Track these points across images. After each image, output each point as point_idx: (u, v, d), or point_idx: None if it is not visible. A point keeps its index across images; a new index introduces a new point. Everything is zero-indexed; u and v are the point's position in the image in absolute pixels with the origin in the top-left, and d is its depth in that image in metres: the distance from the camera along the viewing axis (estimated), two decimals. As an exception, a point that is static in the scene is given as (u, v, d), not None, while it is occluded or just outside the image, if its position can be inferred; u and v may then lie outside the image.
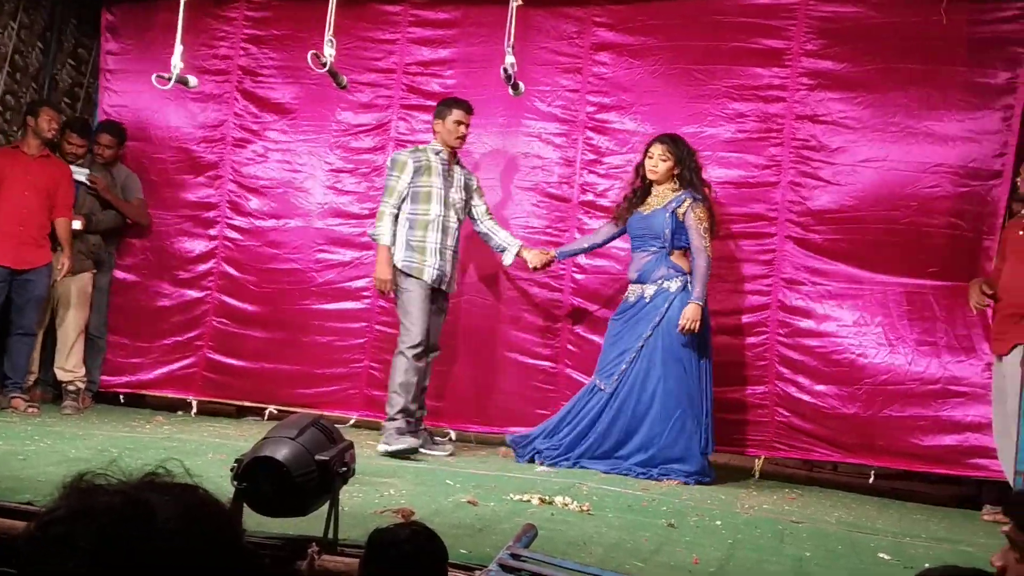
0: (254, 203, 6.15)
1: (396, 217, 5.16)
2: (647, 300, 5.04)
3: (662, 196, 5.12)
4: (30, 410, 5.50)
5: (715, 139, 5.50)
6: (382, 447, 4.91)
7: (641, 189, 5.19)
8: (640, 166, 5.17)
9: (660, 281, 5.03)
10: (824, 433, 5.25)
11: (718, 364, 5.24)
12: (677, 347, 4.94)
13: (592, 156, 5.70)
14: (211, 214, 6.22)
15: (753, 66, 5.46)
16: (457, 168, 5.30)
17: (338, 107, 6.05)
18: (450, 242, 5.21)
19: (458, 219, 5.25)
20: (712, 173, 5.47)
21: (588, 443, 5.04)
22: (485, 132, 5.81)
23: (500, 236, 5.40)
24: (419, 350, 5.04)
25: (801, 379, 5.30)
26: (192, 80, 4.92)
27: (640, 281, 5.09)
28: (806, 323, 5.34)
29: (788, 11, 5.41)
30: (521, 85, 4.41)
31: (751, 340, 5.39)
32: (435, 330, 5.24)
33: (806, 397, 5.28)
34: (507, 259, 5.39)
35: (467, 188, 5.32)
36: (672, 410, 4.92)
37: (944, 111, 5.19)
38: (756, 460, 5.38)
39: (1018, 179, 4.79)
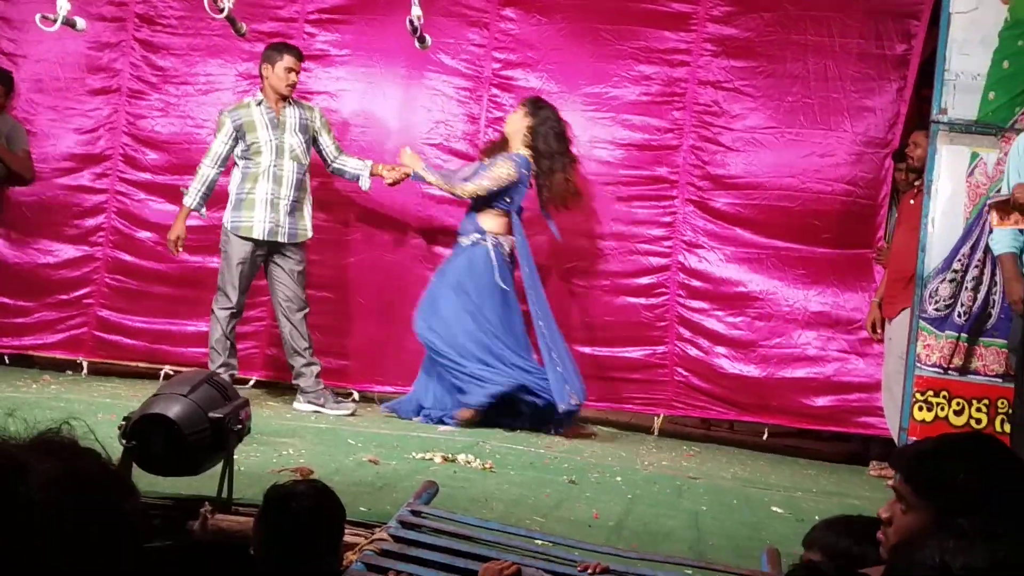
0: (151, 157, 5.89)
1: (211, 178, 5.18)
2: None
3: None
4: None
5: (619, 100, 5.51)
6: None
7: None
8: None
9: (471, 235, 5.17)
10: (721, 393, 5.38)
11: (620, 324, 5.31)
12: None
13: (498, 114, 5.63)
14: (102, 167, 5.93)
15: (660, 29, 5.48)
16: (290, 111, 5.18)
17: (239, 59, 5.82)
18: (285, 191, 5.12)
19: (298, 164, 5.16)
20: (615, 134, 5.51)
21: None
22: (387, 83, 5.68)
23: (350, 164, 5.35)
24: (231, 311, 5.09)
25: (700, 340, 5.41)
26: (80, 22, 4.64)
27: (464, 233, 5.21)
28: (705, 286, 5.44)
29: (698, -25, 5.44)
30: (428, 38, 4.31)
31: (652, 301, 5.46)
32: (293, 286, 5.15)
33: (704, 357, 5.39)
34: (364, 183, 5.34)
35: (305, 129, 5.21)
36: None
37: (840, 82, 5.31)
38: (656, 418, 5.47)
39: (907, 149, 4.95)
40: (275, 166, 5.09)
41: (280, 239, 5.11)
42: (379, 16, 5.64)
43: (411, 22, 4.20)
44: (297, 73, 5.16)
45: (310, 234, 5.26)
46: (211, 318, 5.16)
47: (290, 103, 5.21)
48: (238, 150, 5.15)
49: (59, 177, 5.92)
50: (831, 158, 5.34)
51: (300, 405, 5.09)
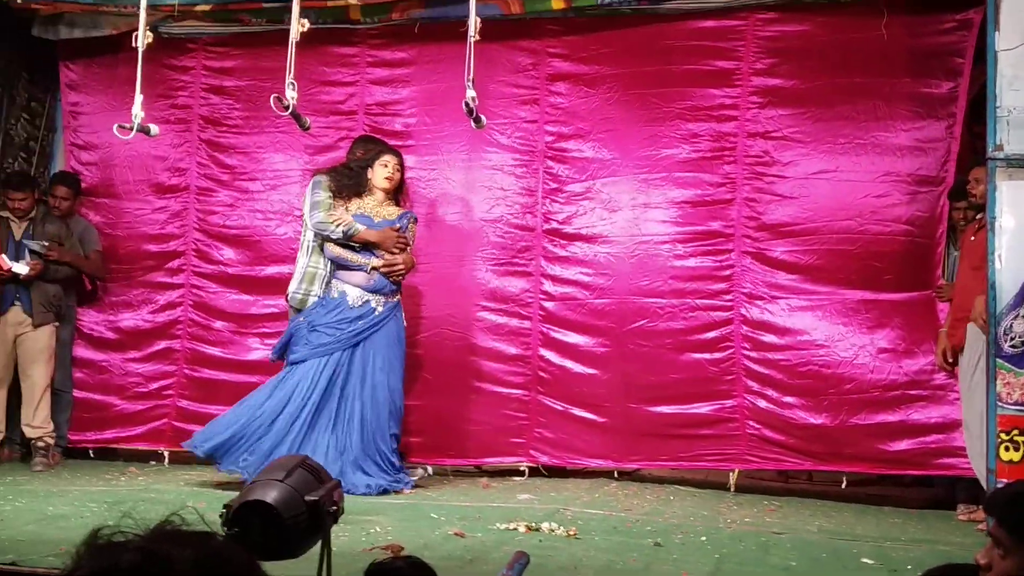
0: (224, 251, 6.15)
1: None
2: (375, 311, 5.11)
3: (386, 208, 5.22)
4: None
5: (671, 160, 5.61)
6: None
7: (350, 188, 5.21)
8: (362, 168, 5.22)
9: (389, 295, 5.16)
10: (794, 443, 5.34)
11: (687, 380, 5.39)
12: (390, 359, 5.13)
13: (553, 185, 5.78)
14: (176, 263, 6.20)
15: (705, 87, 5.59)
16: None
17: (304, 152, 6.09)
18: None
19: None
20: (669, 194, 5.61)
21: None
22: (449, 167, 5.89)
23: None
24: None
25: (769, 391, 5.39)
26: (154, 128, 4.91)
27: (375, 291, 5.12)
28: (769, 337, 5.44)
29: (736, 33, 5.55)
30: (483, 118, 4.47)
31: (717, 355, 5.47)
32: None
33: (775, 408, 5.37)
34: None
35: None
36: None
37: (891, 122, 5.34)
38: (731, 474, 5.45)
39: (968, 186, 4.94)
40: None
41: None
42: (436, 105, 5.87)
43: (467, 104, 4.36)
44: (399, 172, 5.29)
45: None
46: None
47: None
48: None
49: (137, 275, 6.20)
50: (887, 198, 5.34)
51: None
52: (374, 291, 5.11)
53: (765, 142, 5.52)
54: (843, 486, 5.35)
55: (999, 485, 3.93)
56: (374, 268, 5.10)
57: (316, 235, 5.23)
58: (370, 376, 5.06)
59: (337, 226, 5.11)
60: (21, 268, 5.64)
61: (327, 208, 5.16)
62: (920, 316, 5.26)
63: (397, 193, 5.30)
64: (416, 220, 5.40)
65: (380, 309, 5.12)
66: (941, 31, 5.29)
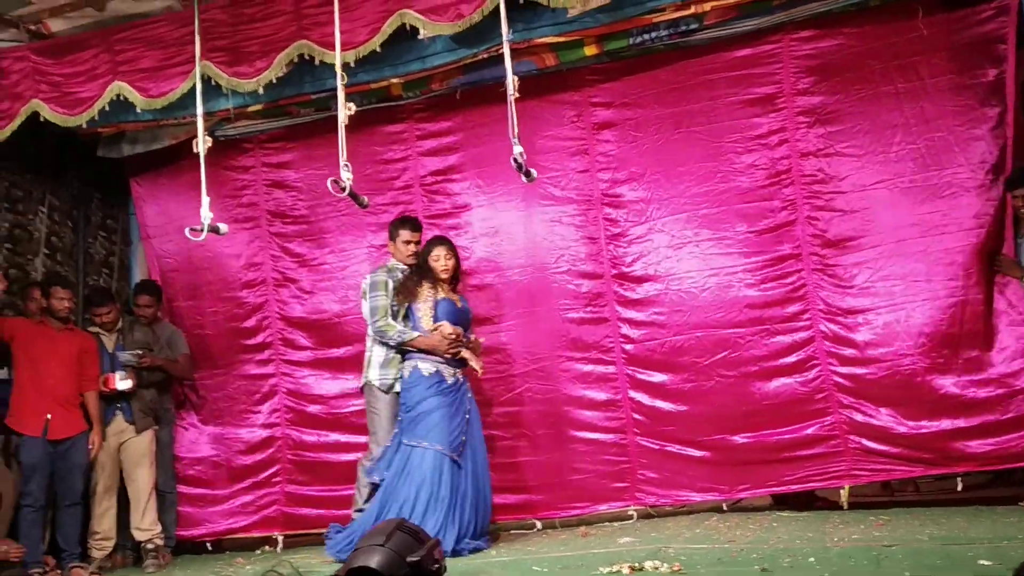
0: (307, 337, 6.36)
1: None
2: (461, 382, 5.27)
3: (446, 291, 5.34)
4: None
5: (731, 193, 5.65)
6: None
7: (415, 281, 5.32)
8: (426, 258, 5.34)
9: (462, 368, 5.29)
10: (900, 452, 5.22)
11: (779, 405, 5.35)
12: (477, 424, 5.28)
13: (615, 230, 5.86)
14: (265, 354, 6.43)
15: (750, 116, 5.63)
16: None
17: (368, 231, 6.29)
18: None
19: None
20: (733, 226, 5.63)
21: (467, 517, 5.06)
22: (508, 226, 6.02)
23: None
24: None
25: (864, 404, 5.32)
26: (223, 227, 5.12)
27: (457, 365, 5.26)
28: (852, 351, 5.38)
29: (772, 56, 5.60)
30: (533, 172, 4.56)
31: (805, 376, 5.43)
32: None
33: (872, 420, 5.29)
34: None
35: None
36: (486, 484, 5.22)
37: (940, 120, 5.29)
38: (840, 492, 5.35)
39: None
40: None
41: None
42: (487, 167, 6.04)
43: (515, 160, 4.45)
44: (416, 244, 5.46)
45: None
46: (360, 469, 5.35)
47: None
48: None
49: (231, 370, 6.43)
50: (948, 198, 5.26)
51: None
52: (457, 365, 5.29)
53: (818, 160, 5.53)
54: (959, 488, 5.17)
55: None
56: (463, 358, 5.28)
57: None
58: (475, 444, 5.21)
59: (394, 334, 5.30)
60: (124, 384, 5.90)
61: (384, 313, 5.35)
62: (999, 310, 5.13)
63: (456, 277, 5.43)
64: None
65: (462, 379, 5.29)
66: (979, 20, 5.25)
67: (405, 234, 5.46)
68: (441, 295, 5.31)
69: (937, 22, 5.29)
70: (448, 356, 5.22)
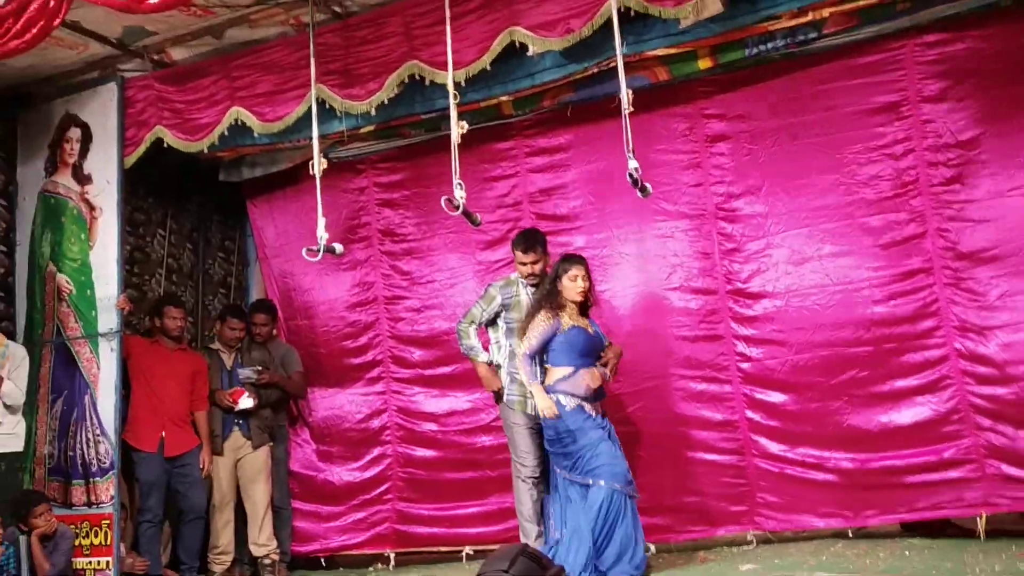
0: (417, 354, 6.38)
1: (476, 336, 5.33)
2: (602, 416, 4.96)
3: (577, 316, 5.00)
4: None
5: (855, 206, 5.41)
6: None
7: (551, 301, 5.00)
8: (555, 279, 5.02)
9: (600, 402, 4.98)
10: (1045, 479, 4.90)
11: (911, 426, 5.09)
12: None
13: (730, 245, 5.69)
14: (376, 372, 6.47)
15: (874, 126, 5.40)
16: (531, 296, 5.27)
17: (476, 248, 6.29)
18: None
19: None
20: (857, 240, 5.40)
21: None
22: (620, 242, 5.92)
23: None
24: (534, 478, 5.14)
25: (1003, 427, 5.00)
26: (338, 247, 5.17)
27: (597, 399, 4.95)
28: (989, 370, 5.07)
29: (895, 63, 5.36)
30: (648, 187, 4.46)
31: (940, 396, 5.15)
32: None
33: (1013, 444, 4.96)
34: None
35: None
36: None
37: (1080, 118, 4.99)
38: (977, 520, 5.03)
39: None
40: None
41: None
42: (598, 183, 5.96)
43: (631, 175, 4.37)
44: (532, 264, 5.25)
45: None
46: (517, 493, 5.18)
47: None
48: (501, 323, 5.35)
49: (340, 387, 6.49)
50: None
51: None
52: (596, 398, 4.99)
53: (948, 169, 5.26)
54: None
55: None
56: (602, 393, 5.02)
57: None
58: None
59: (464, 342, 5.30)
60: (247, 403, 6.03)
61: (471, 320, 5.35)
62: None
63: (587, 301, 5.09)
64: None
65: (602, 415, 5.01)
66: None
67: (519, 254, 5.31)
68: (568, 322, 4.97)
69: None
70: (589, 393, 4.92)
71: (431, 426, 6.25)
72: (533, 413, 5.12)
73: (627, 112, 4.32)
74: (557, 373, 4.93)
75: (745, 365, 5.60)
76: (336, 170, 6.37)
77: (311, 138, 5.23)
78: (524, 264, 5.29)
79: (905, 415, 5.19)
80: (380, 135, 6.30)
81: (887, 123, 5.37)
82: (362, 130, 6.04)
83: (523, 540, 4.99)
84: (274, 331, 6.57)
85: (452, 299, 6.32)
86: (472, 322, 5.36)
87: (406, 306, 6.47)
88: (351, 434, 6.47)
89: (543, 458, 5.14)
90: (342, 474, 6.44)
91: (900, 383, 5.22)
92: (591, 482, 4.73)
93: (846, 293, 5.39)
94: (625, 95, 4.31)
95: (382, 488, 6.33)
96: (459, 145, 4.69)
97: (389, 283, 6.53)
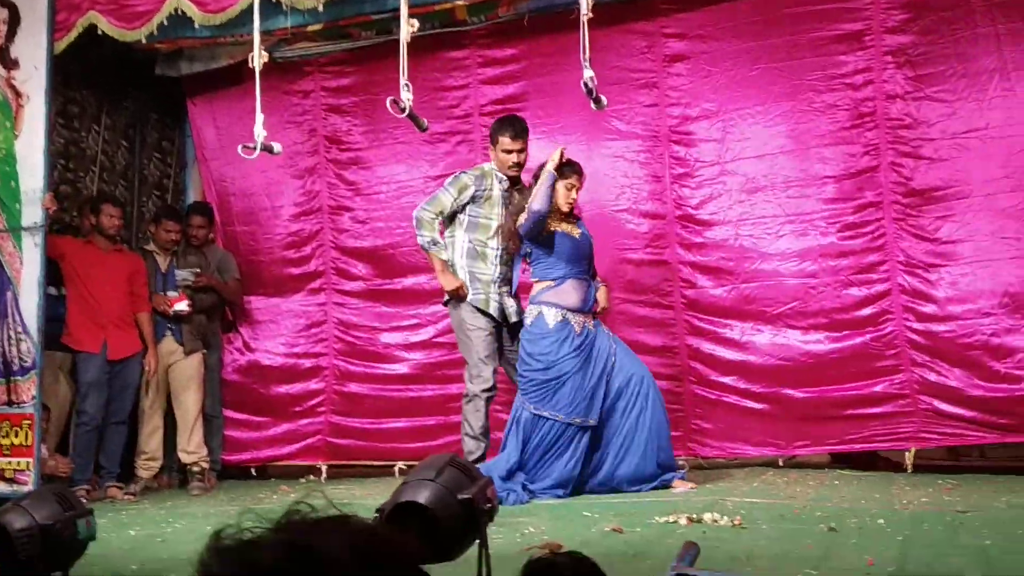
0: (361, 267, 6.24)
1: (437, 230, 4.97)
2: (591, 330, 4.74)
3: (568, 221, 4.79)
4: (126, 497, 5.57)
5: (811, 134, 5.33)
6: None
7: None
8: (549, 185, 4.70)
9: (592, 306, 4.78)
10: (974, 416, 4.94)
11: (848, 359, 5.08)
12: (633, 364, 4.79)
13: (681, 169, 5.59)
14: (317, 283, 6.31)
15: (834, 54, 5.29)
16: (517, 195, 4.90)
17: (424, 161, 6.11)
18: (509, 274, 5.00)
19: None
20: (810, 169, 5.33)
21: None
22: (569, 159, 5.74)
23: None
24: (489, 392, 4.89)
25: (938, 363, 5.04)
26: (277, 146, 4.92)
27: (584, 311, 4.74)
28: (930, 307, 5.10)
29: (863, -12, 5.24)
30: (603, 99, 4.30)
31: (879, 331, 5.15)
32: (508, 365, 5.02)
33: (946, 381, 5.01)
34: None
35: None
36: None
37: (1044, 66, 4.92)
38: (906, 454, 5.09)
39: None
40: (503, 250, 4.97)
41: (510, 319, 4.99)
42: (550, 97, 5.79)
43: (585, 85, 4.18)
44: (519, 153, 4.94)
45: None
46: (467, 406, 4.91)
47: (519, 189, 4.94)
48: (464, 217, 5.01)
49: (280, 297, 6.33)
50: (1049, 149, 4.92)
51: None
52: (584, 310, 4.74)
53: (906, 104, 5.18)
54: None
55: None
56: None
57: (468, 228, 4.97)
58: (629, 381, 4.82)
59: (425, 234, 4.92)
60: (183, 307, 5.83)
61: (438, 210, 4.93)
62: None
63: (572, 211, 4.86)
64: None
65: (593, 327, 4.78)
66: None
67: (505, 140, 4.90)
68: (555, 227, 4.73)
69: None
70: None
71: (371, 339, 6.13)
72: (496, 315, 4.96)
73: (585, 17, 4.14)
74: (541, 284, 4.75)
75: (689, 292, 5.54)
76: (281, 70, 6.10)
77: (253, 32, 4.96)
78: (510, 152, 4.92)
79: (843, 347, 5.20)
80: (329, 35, 6.06)
81: (849, 51, 5.27)
82: (309, 28, 5.77)
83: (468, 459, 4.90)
84: (211, 235, 6.35)
85: (397, 211, 6.14)
86: (440, 212, 4.93)
87: (351, 217, 6.30)
88: (287, 344, 6.33)
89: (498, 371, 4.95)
90: (276, 385, 6.31)
91: (841, 316, 5.22)
92: (547, 415, 4.65)
93: (796, 223, 5.34)
94: (585, 1, 4.13)
95: (316, 400, 6.23)
96: (410, 50, 4.46)
97: (334, 193, 6.33)
